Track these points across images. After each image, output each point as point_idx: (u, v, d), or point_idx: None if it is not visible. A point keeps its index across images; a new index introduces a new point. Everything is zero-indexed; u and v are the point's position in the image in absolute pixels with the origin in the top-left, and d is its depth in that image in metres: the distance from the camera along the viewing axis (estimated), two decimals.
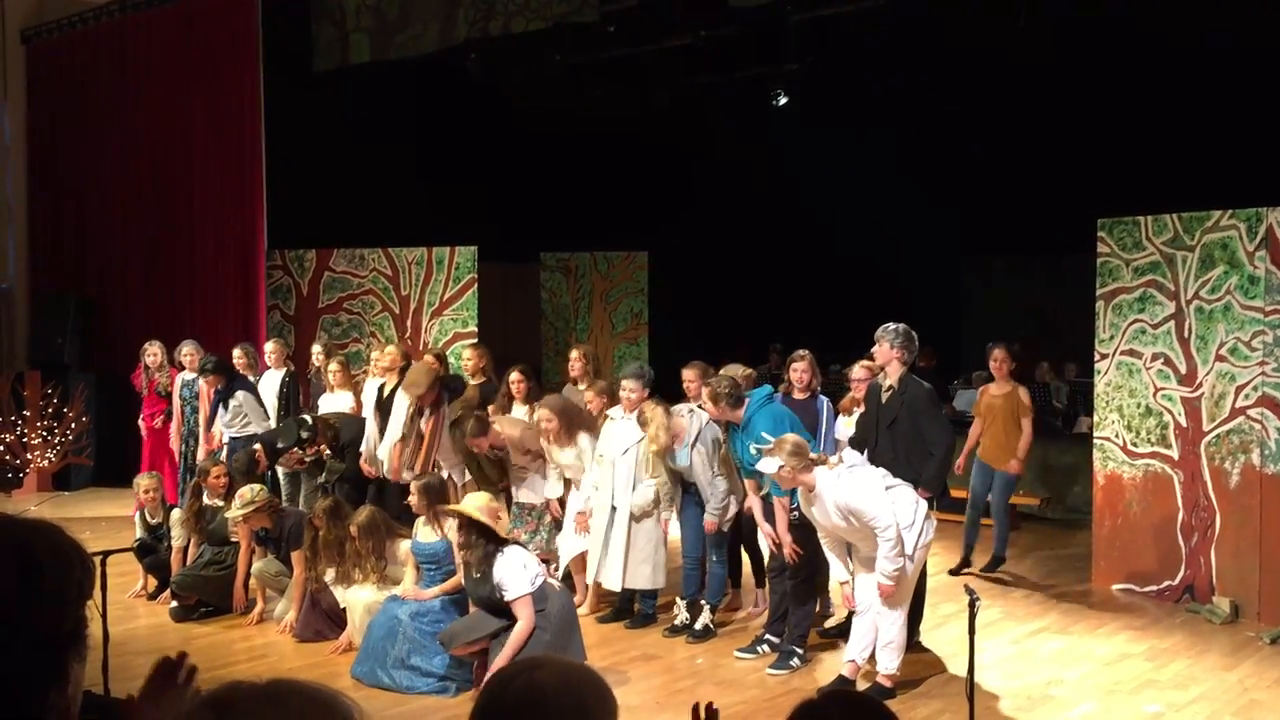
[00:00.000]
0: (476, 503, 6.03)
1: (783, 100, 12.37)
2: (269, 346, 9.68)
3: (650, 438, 6.76)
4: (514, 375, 8.08)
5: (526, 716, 1.59)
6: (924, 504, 5.88)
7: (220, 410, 9.00)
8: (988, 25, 10.26)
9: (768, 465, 5.64)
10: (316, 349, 9.65)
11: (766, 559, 6.80)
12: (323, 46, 11.11)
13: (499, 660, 5.65)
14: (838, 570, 5.98)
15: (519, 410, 7.94)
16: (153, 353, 9.99)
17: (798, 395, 7.27)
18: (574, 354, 8.43)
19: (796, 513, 6.17)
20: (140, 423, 10.12)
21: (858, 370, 7.52)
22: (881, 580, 5.62)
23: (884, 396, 6.55)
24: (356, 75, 11.16)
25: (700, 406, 6.79)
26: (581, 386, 8.09)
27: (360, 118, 12.16)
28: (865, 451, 6.60)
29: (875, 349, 6.63)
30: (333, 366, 9.03)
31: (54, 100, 12.82)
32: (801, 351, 7.31)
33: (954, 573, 8.23)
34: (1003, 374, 8.33)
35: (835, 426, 7.29)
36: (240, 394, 8.88)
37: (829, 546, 5.95)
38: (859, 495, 5.56)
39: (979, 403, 8.52)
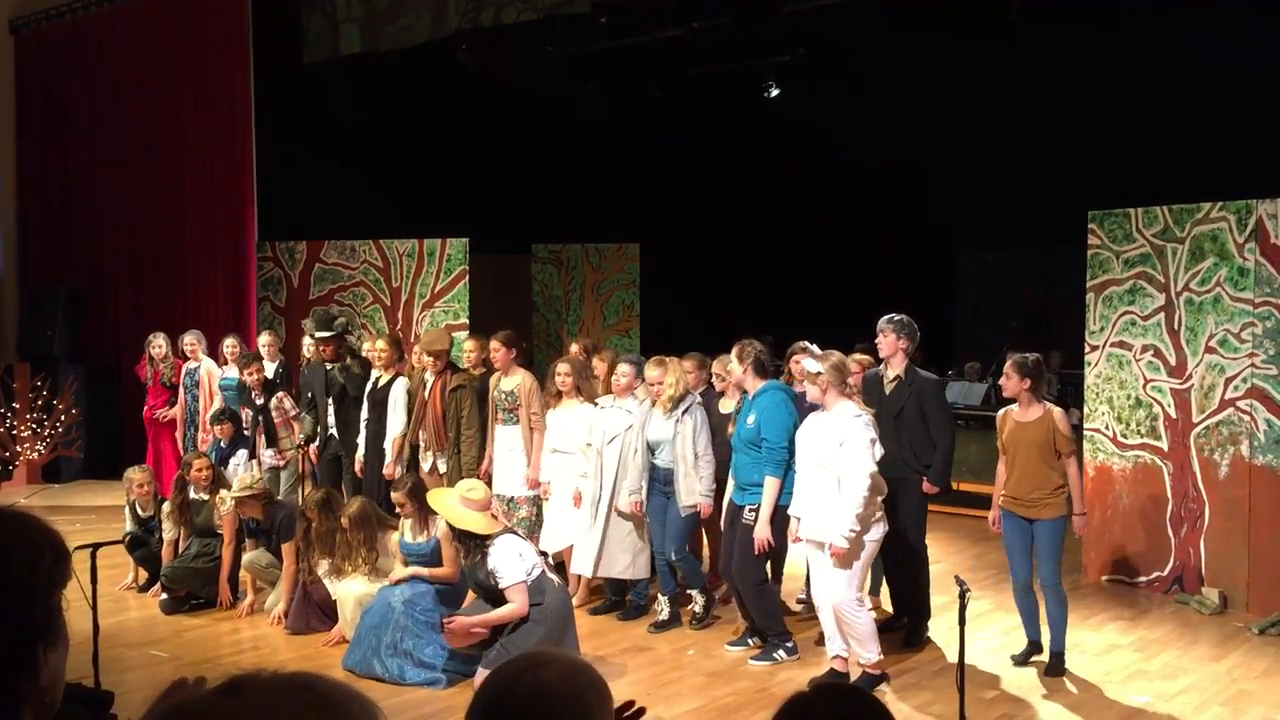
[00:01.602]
0: (463, 491, 5.97)
1: (774, 92, 12.37)
2: (263, 339, 9.68)
3: (668, 383, 6.78)
4: (493, 344, 7.77)
5: (533, 715, 1.60)
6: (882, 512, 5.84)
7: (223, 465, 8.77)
8: (979, 17, 10.27)
9: (810, 365, 5.87)
10: (308, 341, 9.64)
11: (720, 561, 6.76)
12: (313, 37, 11.08)
13: (478, 620, 5.75)
14: (796, 504, 5.99)
15: (509, 382, 7.86)
16: (157, 344, 10.06)
17: (798, 389, 7.29)
18: (574, 348, 8.34)
19: (753, 514, 6.22)
20: (144, 414, 10.11)
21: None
22: (836, 540, 5.59)
23: (888, 387, 6.53)
24: (347, 66, 11.12)
25: (710, 384, 7.21)
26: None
27: (351, 109, 12.12)
28: None
29: (879, 340, 6.58)
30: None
31: (42, 90, 12.75)
32: (802, 344, 7.28)
33: (1020, 662, 6.27)
34: (1018, 392, 6.14)
35: None
36: (242, 452, 8.60)
37: (800, 474, 5.98)
38: (865, 443, 5.61)
39: (1001, 431, 6.31)
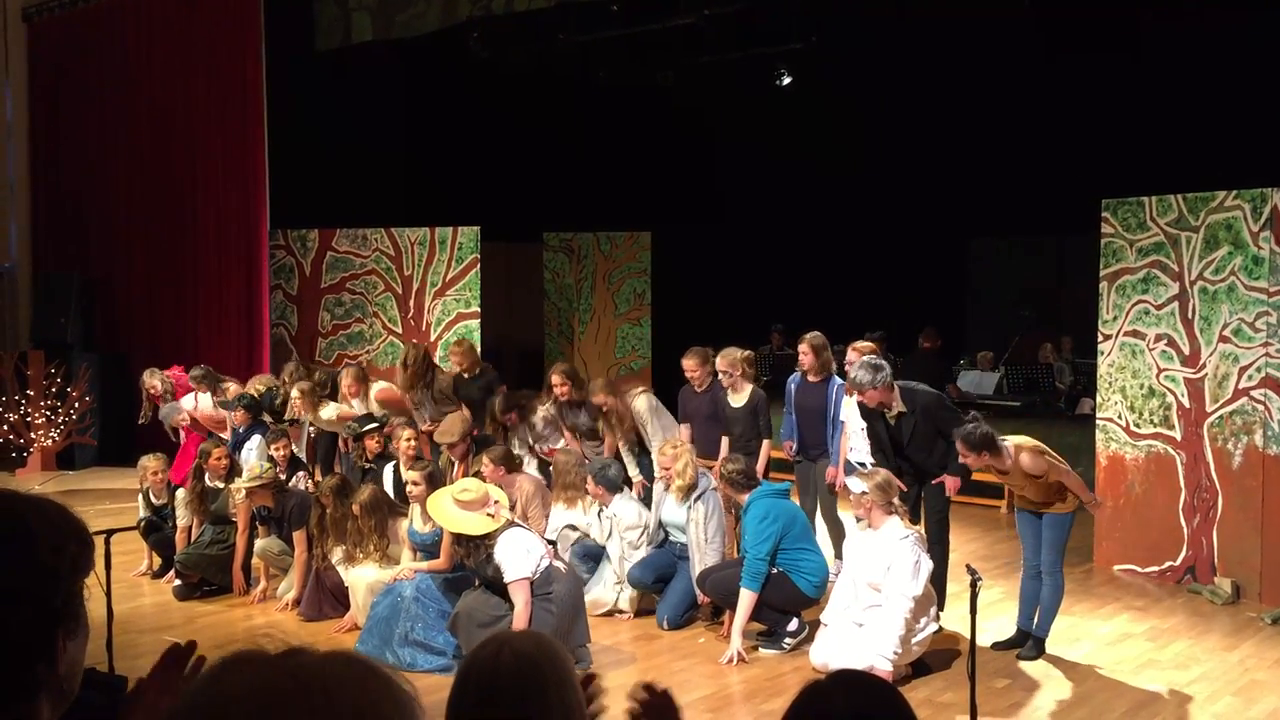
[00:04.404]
0: (456, 493, 5.94)
1: (786, 80, 12.32)
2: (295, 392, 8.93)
3: (677, 472, 6.64)
4: (555, 378, 7.76)
5: (527, 680, 1.65)
6: (936, 615, 5.87)
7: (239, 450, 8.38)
8: (993, 5, 10.21)
9: (854, 485, 5.88)
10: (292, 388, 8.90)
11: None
12: (324, 25, 11.09)
13: None
14: (829, 613, 6.00)
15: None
16: (153, 385, 9.23)
17: (811, 379, 7.30)
18: (555, 378, 7.84)
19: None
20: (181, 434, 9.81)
21: (850, 355, 7.35)
22: (879, 662, 5.54)
23: (891, 421, 6.46)
24: (359, 54, 11.12)
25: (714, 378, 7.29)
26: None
27: (363, 97, 12.13)
28: (880, 459, 6.58)
29: (860, 395, 6.40)
30: (344, 384, 8.86)
31: (56, 79, 12.79)
32: (803, 336, 7.33)
33: (1001, 647, 6.34)
34: (983, 465, 6.14)
35: (841, 409, 7.26)
36: (256, 437, 8.27)
37: (839, 585, 6.03)
38: (910, 566, 5.63)
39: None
